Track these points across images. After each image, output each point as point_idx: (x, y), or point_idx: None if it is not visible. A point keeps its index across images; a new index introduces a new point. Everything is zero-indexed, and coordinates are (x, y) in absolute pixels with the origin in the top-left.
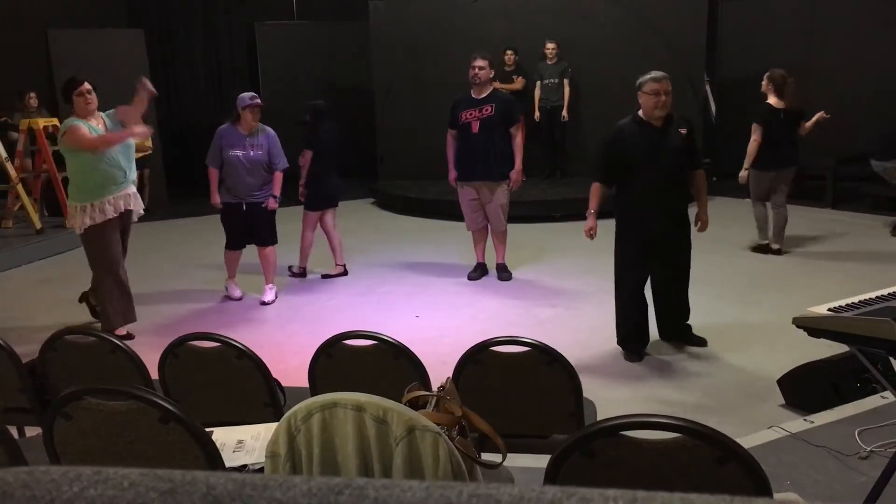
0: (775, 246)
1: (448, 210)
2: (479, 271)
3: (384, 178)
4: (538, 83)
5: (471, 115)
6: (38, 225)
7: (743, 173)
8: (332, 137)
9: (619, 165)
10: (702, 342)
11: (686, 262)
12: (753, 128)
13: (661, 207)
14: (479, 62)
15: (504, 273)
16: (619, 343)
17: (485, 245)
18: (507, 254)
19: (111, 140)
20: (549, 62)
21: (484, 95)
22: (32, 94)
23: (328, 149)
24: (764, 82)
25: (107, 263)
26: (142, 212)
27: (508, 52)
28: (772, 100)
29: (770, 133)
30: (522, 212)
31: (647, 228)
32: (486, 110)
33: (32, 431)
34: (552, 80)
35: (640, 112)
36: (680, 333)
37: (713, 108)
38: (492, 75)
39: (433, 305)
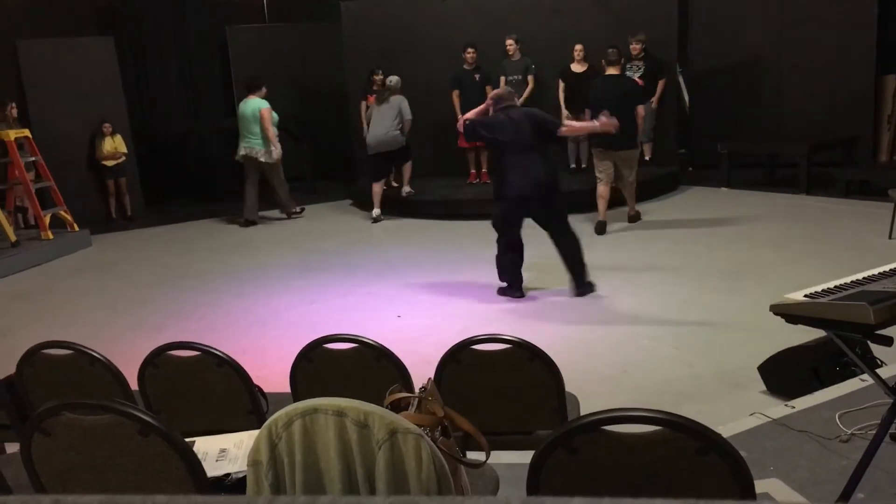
0: None
1: (425, 209)
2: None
3: (362, 179)
4: (502, 79)
5: None
6: (13, 238)
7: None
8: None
9: None
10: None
11: None
12: None
13: None
14: None
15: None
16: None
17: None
18: (480, 250)
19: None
20: (512, 58)
21: None
22: (13, 105)
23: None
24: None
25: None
26: (261, 159)
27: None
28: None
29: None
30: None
31: None
32: None
33: (13, 448)
34: (515, 77)
35: None
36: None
37: (686, 98)
38: None
39: (415, 304)
